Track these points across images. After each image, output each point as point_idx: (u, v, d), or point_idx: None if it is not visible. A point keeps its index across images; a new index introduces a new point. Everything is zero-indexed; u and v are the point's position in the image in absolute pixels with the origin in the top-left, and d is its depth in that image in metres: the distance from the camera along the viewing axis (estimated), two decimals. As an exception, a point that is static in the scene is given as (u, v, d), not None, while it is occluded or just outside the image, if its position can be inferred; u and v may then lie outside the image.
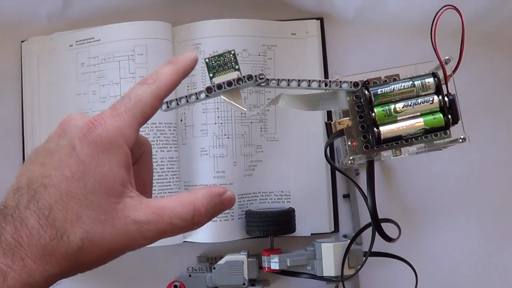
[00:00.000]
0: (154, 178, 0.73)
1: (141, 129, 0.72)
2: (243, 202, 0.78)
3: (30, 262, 0.37)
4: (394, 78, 0.60)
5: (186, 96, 0.58)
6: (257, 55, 0.79)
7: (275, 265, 0.74)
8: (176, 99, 0.58)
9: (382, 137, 0.57)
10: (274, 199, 0.79)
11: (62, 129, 0.42)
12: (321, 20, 0.81)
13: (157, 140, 0.76)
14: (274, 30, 0.80)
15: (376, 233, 0.66)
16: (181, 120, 0.79)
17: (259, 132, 0.79)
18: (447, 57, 0.59)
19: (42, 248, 0.38)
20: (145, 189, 0.49)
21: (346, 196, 0.79)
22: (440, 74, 0.59)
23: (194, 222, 0.43)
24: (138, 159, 0.49)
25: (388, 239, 0.64)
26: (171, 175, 0.77)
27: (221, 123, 0.78)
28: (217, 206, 0.45)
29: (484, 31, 0.80)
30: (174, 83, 0.46)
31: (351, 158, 0.59)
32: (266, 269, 0.75)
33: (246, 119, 0.79)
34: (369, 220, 0.70)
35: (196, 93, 0.57)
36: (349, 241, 0.73)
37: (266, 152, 0.79)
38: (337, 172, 0.79)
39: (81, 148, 0.40)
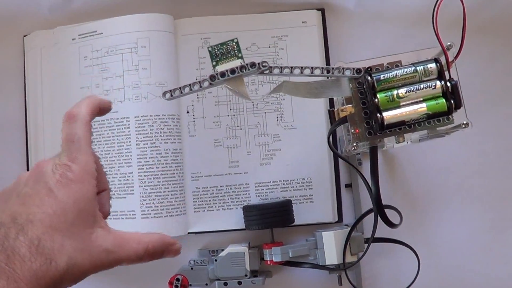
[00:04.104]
0: (158, 169, 0.75)
1: (145, 122, 0.73)
2: (261, 191, 0.79)
3: (22, 285, 0.42)
4: (397, 65, 0.60)
5: (189, 85, 0.58)
6: (267, 47, 0.81)
7: (277, 258, 0.74)
8: (180, 88, 0.58)
9: (385, 123, 0.58)
10: (296, 186, 0.79)
11: (35, 176, 0.47)
12: (322, 10, 0.81)
13: (160, 132, 0.77)
14: (282, 20, 0.81)
15: (378, 220, 0.66)
16: (188, 112, 0.80)
17: (275, 122, 0.80)
18: (448, 43, 0.59)
19: (33, 273, 0.42)
20: (103, 207, 0.53)
21: (348, 185, 0.80)
22: (442, 60, 0.59)
23: (142, 258, 0.50)
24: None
25: (390, 224, 0.65)
26: (175, 166, 0.77)
27: (234, 114, 0.80)
28: (164, 252, 0.51)
29: (484, 20, 0.80)
30: (91, 111, 0.51)
31: (354, 144, 0.59)
32: (269, 262, 0.75)
33: (259, 110, 0.80)
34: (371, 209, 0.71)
35: (199, 81, 0.58)
36: (349, 228, 0.73)
37: (284, 141, 0.80)
38: (339, 161, 0.79)
39: (57, 189, 0.46)
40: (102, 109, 0.53)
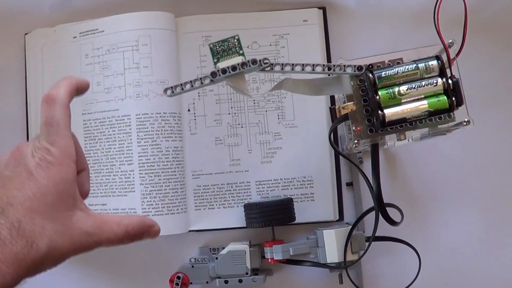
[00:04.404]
0: (159, 167, 0.75)
1: (146, 119, 0.74)
2: (262, 189, 0.80)
3: (3, 267, 0.42)
4: (398, 62, 0.60)
5: (190, 81, 0.58)
6: (268, 45, 0.81)
7: (278, 255, 0.74)
8: (181, 84, 0.58)
9: (386, 120, 0.57)
10: (297, 185, 0.79)
11: (15, 159, 0.48)
12: (324, 9, 0.81)
13: (161, 130, 0.77)
14: (283, 19, 0.82)
15: (379, 219, 0.66)
16: (189, 110, 0.80)
17: (276, 120, 0.80)
18: (450, 41, 0.59)
19: (14, 255, 0.43)
20: (82, 186, 0.54)
21: (349, 184, 0.80)
22: (444, 58, 0.59)
23: (122, 240, 0.50)
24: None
25: (391, 222, 0.65)
26: (176, 164, 0.78)
27: (235, 113, 0.80)
28: (144, 234, 0.52)
29: (486, 19, 0.80)
30: (70, 93, 0.51)
31: (355, 141, 0.59)
32: (270, 260, 0.75)
33: (260, 108, 0.80)
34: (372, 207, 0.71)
35: (200, 78, 0.58)
36: (350, 226, 0.73)
37: (285, 139, 0.80)
38: (340, 160, 0.79)
39: (37, 172, 0.46)
40: (80, 89, 0.53)
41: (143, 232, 0.52)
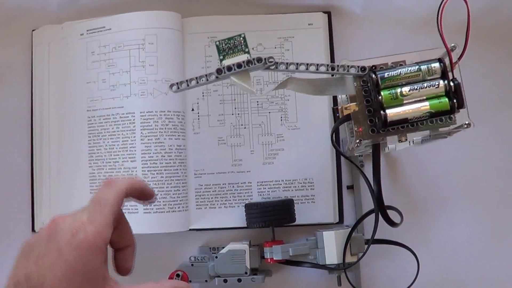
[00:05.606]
0: (162, 165, 0.75)
1: (150, 117, 0.75)
2: (263, 190, 0.80)
3: None
4: (401, 64, 0.60)
5: (196, 78, 0.59)
6: (273, 48, 0.82)
7: (277, 256, 0.74)
8: (186, 81, 0.59)
9: (388, 120, 0.58)
10: (298, 186, 0.80)
11: (50, 233, 0.49)
12: (329, 14, 0.82)
13: (165, 128, 0.77)
14: (288, 22, 0.83)
15: (379, 221, 0.66)
16: (193, 110, 0.81)
17: (279, 121, 0.81)
18: (452, 44, 0.59)
19: None
20: (125, 262, 0.57)
21: (349, 187, 0.80)
22: (446, 61, 0.60)
23: None
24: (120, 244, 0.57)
25: (391, 222, 0.65)
26: (178, 163, 0.78)
27: (238, 113, 0.81)
28: None
29: (489, 27, 0.81)
30: (131, 187, 0.54)
31: (357, 140, 0.60)
32: (269, 260, 0.76)
33: (264, 109, 0.81)
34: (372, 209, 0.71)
35: (206, 75, 0.59)
36: (350, 228, 0.73)
37: (287, 141, 0.80)
38: (341, 163, 0.80)
39: (68, 252, 0.47)
40: (142, 194, 0.56)
41: None
